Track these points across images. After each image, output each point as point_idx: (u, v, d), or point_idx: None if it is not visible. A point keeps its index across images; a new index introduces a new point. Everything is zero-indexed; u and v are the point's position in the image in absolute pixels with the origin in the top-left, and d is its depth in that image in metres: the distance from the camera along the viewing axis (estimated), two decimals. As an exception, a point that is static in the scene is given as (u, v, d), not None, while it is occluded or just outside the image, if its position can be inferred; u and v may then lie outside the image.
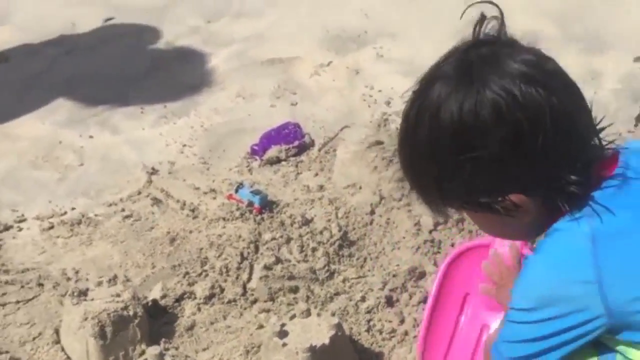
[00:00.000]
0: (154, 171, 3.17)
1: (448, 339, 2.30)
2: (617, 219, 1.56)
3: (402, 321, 2.51)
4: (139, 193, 3.04)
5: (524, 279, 1.65)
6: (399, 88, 3.58)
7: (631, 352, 1.63)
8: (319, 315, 2.35)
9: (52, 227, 2.89)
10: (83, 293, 2.44)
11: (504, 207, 1.60)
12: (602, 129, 1.63)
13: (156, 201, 2.99)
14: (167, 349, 2.40)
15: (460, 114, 1.54)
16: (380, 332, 2.49)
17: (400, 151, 1.69)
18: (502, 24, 1.62)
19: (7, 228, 2.89)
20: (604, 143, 1.63)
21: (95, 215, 2.94)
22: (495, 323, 2.21)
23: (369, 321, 2.51)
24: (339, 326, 2.30)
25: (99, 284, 2.49)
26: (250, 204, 2.89)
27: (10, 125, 3.45)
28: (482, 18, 1.62)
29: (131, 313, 2.42)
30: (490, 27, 1.62)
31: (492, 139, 1.53)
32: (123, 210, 2.95)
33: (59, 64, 3.87)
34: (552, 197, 1.58)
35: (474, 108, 1.53)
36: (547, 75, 1.55)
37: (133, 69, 3.82)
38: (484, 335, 2.24)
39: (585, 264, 1.55)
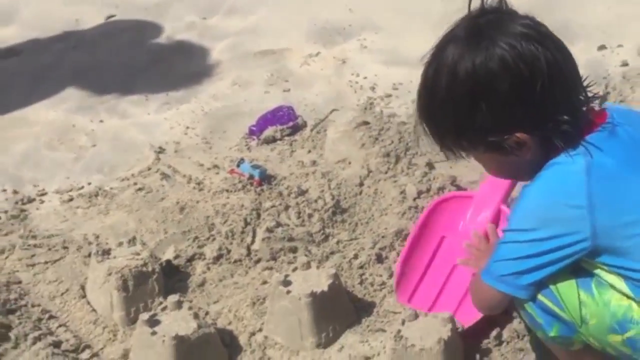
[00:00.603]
0: (161, 150, 3.46)
1: (421, 273, 2.67)
2: (608, 157, 1.92)
3: (390, 275, 2.79)
4: (149, 169, 3.33)
5: (522, 203, 2.00)
6: (382, 75, 3.93)
7: (607, 275, 1.97)
8: (317, 267, 2.65)
9: (71, 199, 3.18)
10: (106, 252, 2.73)
11: (509, 145, 1.95)
12: (588, 85, 2.00)
13: (165, 176, 3.28)
14: (182, 301, 2.68)
15: (474, 66, 1.90)
16: (372, 284, 2.78)
17: (420, 102, 2.06)
18: None
19: (31, 201, 3.18)
20: (589, 95, 1.99)
21: (110, 188, 3.23)
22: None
23: (361, 275, 2.80)
24: (336, 276, 2.59)
25: (120, 244, 2.77)
26: (251, 177, 3.18)
27: (25, 111, 3.74)
28: None
29: (150, 269, 2.70)
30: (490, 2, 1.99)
31: (500, 85, 1.89)
32: (135, 184, 3.24)
33: (66, 58, 4.16)
34: (549, 134, 1.93)
35: (485, 61, 1.89)
36: (542, 35, 1.92)
37: (136, 61, 4.11)
38: (453, 274, 2.60)
39: (579, 191, 1.90)
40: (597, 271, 1.97)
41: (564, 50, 1.95)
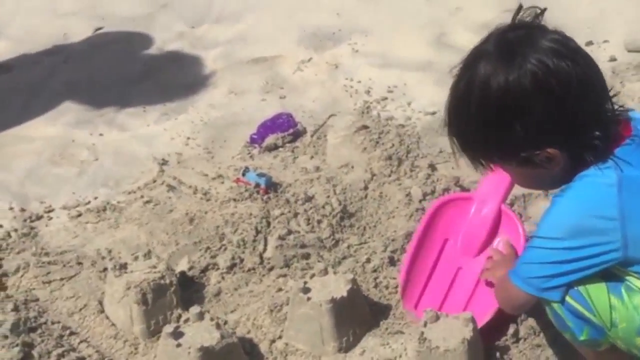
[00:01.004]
0: (164, 162, 3.48)
1: (426, 278, 2.70)
2: (637, 170, 1.97)
3: (404, 277, 2.85)
4: (154, 181, 3.35)
5: (554, 212, 2.04)
6: (376, 78, 3.97)
7: (637, 281, 2.02)
8: (335, 273, 2.68)
9: (80, 215, 3.19)
10: (123, 267, 2.74)
11: (540, 160, 1.99)
12: (614, 95, 2.06)
13: (171, 187, 3.30)
14: (204, 312, 2.70)
15: (507, 83, 1.94)
16: (387, 287, 2.82)
17: (450, 118, 2.10)
18: (540, 13, 2.03)
19: (39, 218, 3.18)
20: (615, 107, 2.04)
21: (118, 202, 3.25)
22: (468, 266, 2.62)
23: (375, 279, 2.84)
24: (354, 281, 2.63)
25: (136, 258, 2.79)
26: (257, 185, 3.21)
27: (22, 128, 3.73)
28: (520, 8, 2.05)
29: (167, 282, 2.72)
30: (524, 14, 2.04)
31: (533, 103, 1.93)
32: (142, 196, 3.26)
33: (58, 71, 4.15)
34: (579, 150, 1.98)
35: (518, 78, 1.93)
36: (571, 51, 1.96)
37: (129, 73, 4.12)
38: (458, 277, 2.65)
39: (610, 204, 1.96)
40: (628, 277, 2.03)
41: (593, 65, 1.99)
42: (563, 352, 2.53)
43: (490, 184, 2.69)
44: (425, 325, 2.45)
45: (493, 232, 2.67)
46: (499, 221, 2.67)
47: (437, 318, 2.48)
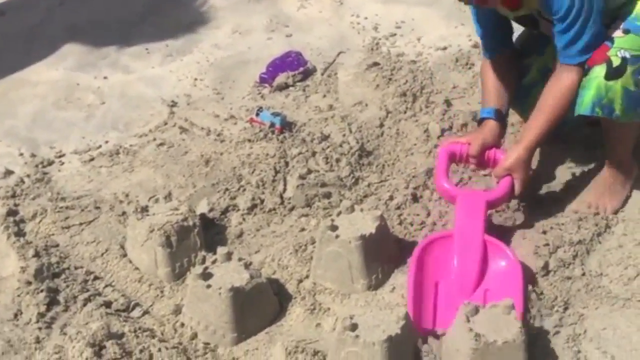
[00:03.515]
0: (173, 104, 3.40)
1: (433, 317, 2.48)
2: None
3: (428, 214, 2.82)
4: (165, 124, 3.28)
5: None
6: (382, 15, 3.91)
7: None
8: (362, 210, 2.64)
9: (92, 159, 3.12)
10: (144, 210, 2.69)
11: None
12: None
13: (183, 129, 3.24)
14: (231, 252, 2.65)
15: None
16: (411, 224, 2.78)
17: None
18: None
19: (50, 163, 3.10)
20: None
21: (130, 145, 3.18)
22: (469, 303, 2.32)
23: (399, 216, 2.80)
24: (382, 217, 2.59)
25: (156, 201, 2.73)
26: (272, 125, 3.15)
27: (24, 73, 3.64)
28: None
29: (190, 223, 2.67)
30: None
31: None
32: (155, 139, 3.19)
33: (55, 15, 4.04)
34: None
35: None
36: None
37: (128, 14, 4.02)
38: (459, 314, 2.33)
39: None
40: None
41: None
42: (592, 282, 2.53)
43: (466, 215, 2.58)
44: (467, 320, 2.25)
45: (483, 266, 2.53)
46: (485, 252, 2.55)
47: (477, 311, 2.28)
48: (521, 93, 2.84)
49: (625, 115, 2.56)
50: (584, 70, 2.55)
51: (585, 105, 2.54)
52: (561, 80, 2.58)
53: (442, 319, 2.45)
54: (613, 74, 2.49)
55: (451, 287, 2.52)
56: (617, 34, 2.54)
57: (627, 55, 2.49)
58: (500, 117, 2.76)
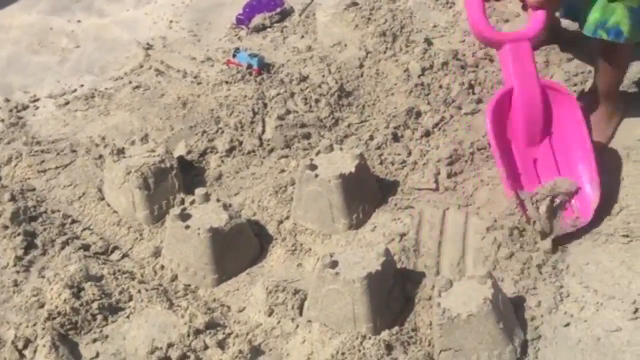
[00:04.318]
0: (149, 46, 3.35)
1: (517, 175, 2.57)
2: None
3: (409, 153, 2.79)
4: (141, 66, 3.23)
5: None
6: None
7: None
8: (341, 149, 2.61)
9: (67, 103, 3.07)
10: (120, 152, 2.65)
11: None
12: None
13: (159, 72, 3.18)
14: (209, 193, 2.62)
15: None
16: (392, 163, 2.75)
17: None
18: None
19: (25, 107, 3.06)
20: None
21: (106, 89, 3.13)
22: (541, 155, 2.57)
23: (380, 155, 2.77)
24: (361, 156, 2.56)
25: (132, 143, 2.69)
26: (249, 66, 3.11)
27: (-4, 17, 3.57)
28: None
29: (168, 165, 2.63)
30: None
31: None
32: (130, 82, 3.14)
33: (25, -42, 3.95)
34: None
35: None
36: None
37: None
38: (539, 168, 2.58)
39: None
40: None
41: None
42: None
43: (521, 65, 2.58)
44: (439, 294, 2.18)
45: (545, 112, 2.58)
46: (545, 96, 2.59)
47: (451, 284, 2.21)
48: None
49: (632, 34, 2.55)
50: None
51: (588, 26, 2.55)
52: None
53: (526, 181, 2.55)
54: None
55: (520, 143, 2.60)
56: None
57: None
58: None
